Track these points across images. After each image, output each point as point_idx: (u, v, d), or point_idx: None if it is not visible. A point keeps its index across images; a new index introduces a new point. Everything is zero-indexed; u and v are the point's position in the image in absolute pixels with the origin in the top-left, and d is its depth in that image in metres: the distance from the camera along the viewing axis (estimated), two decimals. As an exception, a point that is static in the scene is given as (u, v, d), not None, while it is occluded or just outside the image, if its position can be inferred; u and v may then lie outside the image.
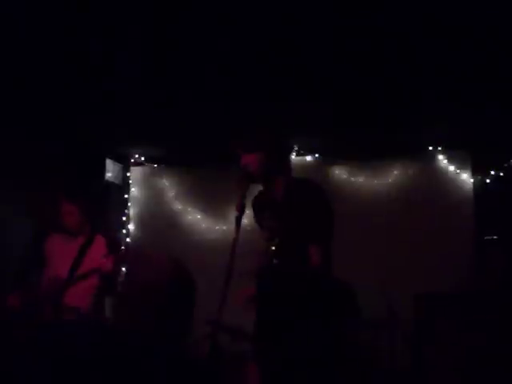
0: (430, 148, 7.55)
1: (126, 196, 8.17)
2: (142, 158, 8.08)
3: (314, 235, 3.51)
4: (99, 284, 4.61)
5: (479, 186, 7.45)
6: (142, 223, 8.15)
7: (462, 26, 4.67)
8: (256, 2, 4.32)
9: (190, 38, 4.88)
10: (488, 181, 7.39)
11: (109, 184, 7.94)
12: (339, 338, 3.63)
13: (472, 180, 7.50)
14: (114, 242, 4.87)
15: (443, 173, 7.57)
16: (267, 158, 3.58)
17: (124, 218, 8.08)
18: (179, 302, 2.10)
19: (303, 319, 3.49)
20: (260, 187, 3.78)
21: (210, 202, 7.82)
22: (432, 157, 7.60)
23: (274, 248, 3.63)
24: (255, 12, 4.47)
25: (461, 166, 7.53)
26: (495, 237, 7.10)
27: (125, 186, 8.20)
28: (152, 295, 2.04)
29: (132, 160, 8.14)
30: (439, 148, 7.55)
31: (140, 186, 8.25)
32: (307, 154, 7.67)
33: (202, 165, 7.67)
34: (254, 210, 3.80)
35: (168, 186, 8.10)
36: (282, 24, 4.67)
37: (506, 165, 7.26)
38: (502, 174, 7.30)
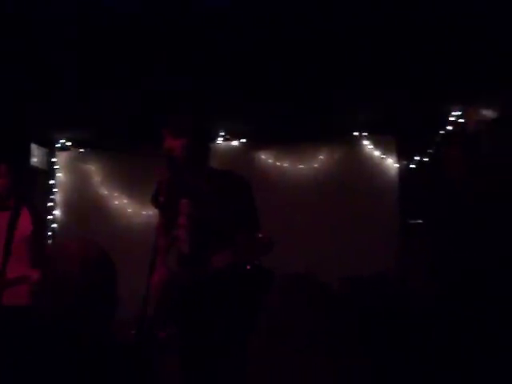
0: (356, 133, 7.61)
1: (52, 181, 8.02)
2: (69, 143, 7.95)
3: (244, 225, 3.53)
4: None
5: (404, 172, 7.56)
6: (68, 208, 8.01)
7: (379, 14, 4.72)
8: None
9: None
10: (413, 166, 7.50)
11: (34, 169, 7.77)
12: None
13: (397, 165, 7.61)
14: (38, 215, 4.83)
15: (368, 158, 7.65)
16: (192, 143, 3.57)
17: (50, 204, 7.95)
18: (99, 288, 2.07)
19: (230, 307, 3.52)
20: None
21: (137, 187, 7.66)
22: (357, 142, 7.66)
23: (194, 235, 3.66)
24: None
25: (386, 151, 7.62)
26: (420, 221, 7.24)
27: (51, 171, 8.05)
28: (70, 282, 2.00)
29: (58, 145, 7.99)
30: (364, 133, 7.62)
31: (66, 171, 8.09)
32: (233, 139, 7.65)
33: (128, 149, 7.56)
34: (162, 195, 3.68)
35: (94, 171, 7.98)
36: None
37: (430, 151, 7.38)
38: (426, 160, 7.42)
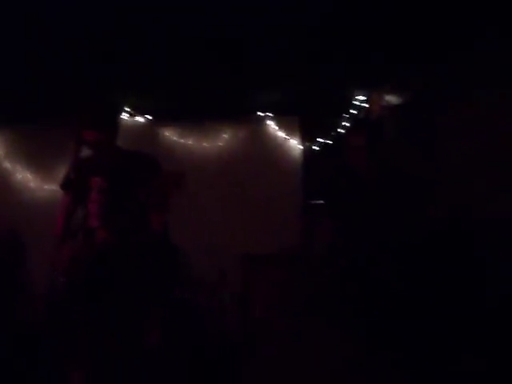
0: (260, 113, 7.69)
1: (-47, 154, 7.83)
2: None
3: (154, 203, 3.59)
4: None
5: (307, 153, 7.71)
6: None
7: None
8: None
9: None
10: (316, 148, 7.65)
11: None
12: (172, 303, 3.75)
13: (300, 146, 7.75)
14: None
15: (272, 138, 7.76)
16: (105, 134, 3.74)
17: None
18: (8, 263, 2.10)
19: (139, 284, 3.57)
20: None
21: (40, 161, 7.63)
22: (262, 122, 7.75)
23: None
24: None
25: (290, 132, 7.74)
26: (321, 201, 7.36)
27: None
28: None
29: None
30: (269, 114, 7.71)
31: (-32, 143, 7.94)
32: (138, 115, 7.61)
33: (32, 123, 7.41)
34: (74, 172, 3.76)
35: (-3, 144, 7.85)
36: None
37: (333, 133, 7.53)
38: (329, 142, 7.57)
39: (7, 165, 7.78)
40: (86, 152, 3.76)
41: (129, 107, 7.45)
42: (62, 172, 7.35)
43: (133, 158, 3.84)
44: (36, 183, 7.73)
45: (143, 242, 3.65)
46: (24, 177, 7.77)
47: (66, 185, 3.81)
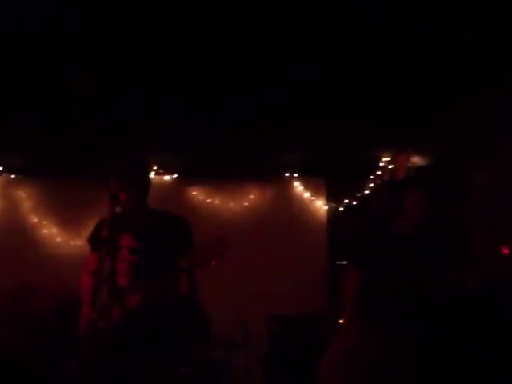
0: (287, 174, 7.76)
1: (-19, 207, 7.86)
2: (0, 168, 7.82)
3: (184, 264, 3.61)
4: None
5: (333, 213, 7.73)
6: (-4, 235, 7.86)
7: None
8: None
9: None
10: (341, 208, 7.67)
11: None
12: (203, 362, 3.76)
13: (326, 207, 7.78)
14: None
15: (298, 199, 7.81)
16: (136, 194, 3.85)
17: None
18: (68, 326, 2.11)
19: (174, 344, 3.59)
20: None
21: (67, 217, 7.64)
22: (288, 183, 7.81)
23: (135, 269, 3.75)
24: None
25: (316, 193, 7.80)
26: (345, 262, 7.34)
27: (-20, 196, 7.88)
28: (41, 322, 2.02)
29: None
30: (295, 174, 7.77)
31: (-3, 196, 7.97)
32: (165, 174, 7.68)
33: (61, 178, 7.50)
34: (106, 229, 3.80)
35: (25, 198, 7.81)
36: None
37: (358, 194, 7.55)
38: (354, 203, 7.59)
39: (34, 219, 7.79)
40: (117, 209, 3.80)
41: (157, 165, 7.51)
42: (88, 227, 7.42)
43: (163, 217, 3.91)
44: (62, 238, 7.73)
45: (172, 305, 3.67)
46: (50, 231, 7.79)
47: (94, 241, 3.89)
